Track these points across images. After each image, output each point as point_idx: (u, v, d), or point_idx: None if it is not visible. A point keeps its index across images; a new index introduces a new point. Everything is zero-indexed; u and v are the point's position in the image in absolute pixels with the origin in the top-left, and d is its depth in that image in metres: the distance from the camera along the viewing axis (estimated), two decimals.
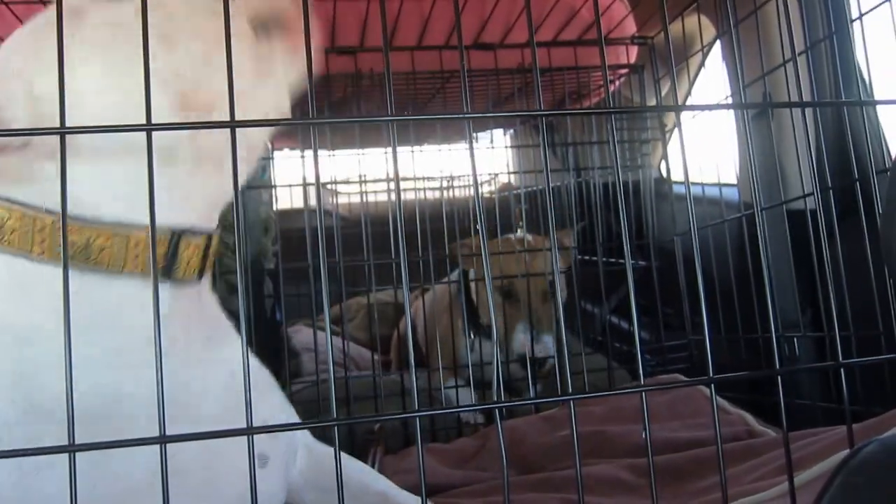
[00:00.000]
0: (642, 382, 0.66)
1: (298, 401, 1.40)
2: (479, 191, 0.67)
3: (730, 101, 1.38)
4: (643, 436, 0.64)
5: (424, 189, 1.71)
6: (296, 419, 0.82)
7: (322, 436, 1.00)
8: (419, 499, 0.79)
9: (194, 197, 0.64)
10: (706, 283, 0.64)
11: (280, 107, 0.68)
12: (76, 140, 0.58)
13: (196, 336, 0.67)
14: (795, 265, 1.28)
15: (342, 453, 0.92)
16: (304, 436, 0.83)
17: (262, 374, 0.79)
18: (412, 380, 0.68)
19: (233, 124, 0.49)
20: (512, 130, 2.32)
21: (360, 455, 1.30)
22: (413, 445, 1.35)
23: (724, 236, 1.37)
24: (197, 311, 0.68)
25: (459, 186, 1.83)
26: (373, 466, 1.22)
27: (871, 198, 0.76)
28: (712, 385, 0.67)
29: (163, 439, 0.47)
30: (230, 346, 0.70)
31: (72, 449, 0.45)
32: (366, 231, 1.43)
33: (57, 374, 0.48)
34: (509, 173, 2.18)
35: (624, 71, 1.66)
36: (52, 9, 0.58)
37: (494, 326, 0.62)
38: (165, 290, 0.63)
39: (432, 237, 1.46)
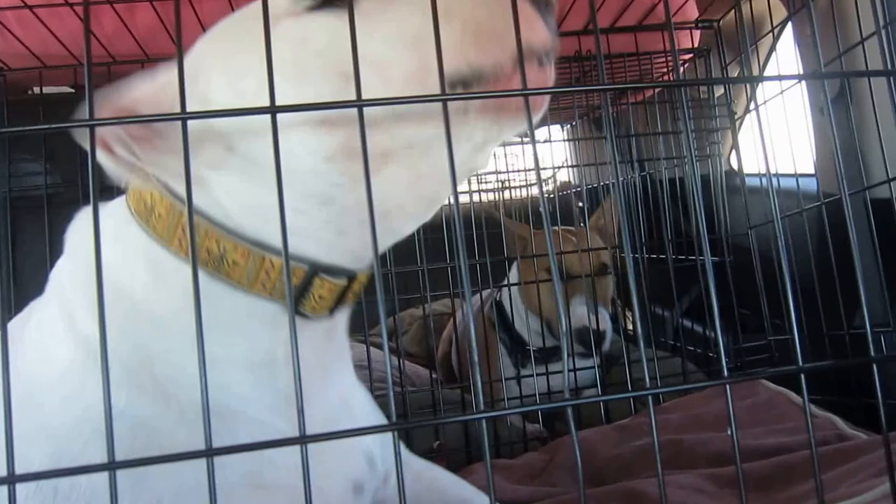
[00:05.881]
0: (725, 374, 0.60)
1: None
2: (542, 184, 0.62)
3: (805, 83, 1.30)
4: (728, 432, 0.58)
5: (479, 191, 1.67)
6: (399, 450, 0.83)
7: None
8: None
9: (351, 237, 0.62)
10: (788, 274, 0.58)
11: (469, 164, 0.63)
12: (240, 153, 0.60)
13: (315, 365, 0.68)
14: (881, 258, 1.19)
15: (442, 469, 0.91)
16: (403, 453, 0.83)
17: (368, 400, 0.81)
18: (474, 378, 0.63)
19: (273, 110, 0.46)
20: (570, 125, 2.26)
21: None
22: (476, 463, 1.30)
23: (802, 229, 1.29)
24: (322, 342, 0.69)
25: (515, 186, 1.79)
26: None
27: None
28: (802, 375, 0.61)
29: (209, 452, 0.47)
30: (344, 376, 0.74)
31: (112, 467, 0.46)
32: (419, 236, 1.39)
33: (191, 362, 0.54)
34: (569, 166, 2.11)
35: (688, 56, 1.59)
36: (241, 11, 0.62)
37: (562, 312, 0.58)
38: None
39: (489, 240, 1.43)
